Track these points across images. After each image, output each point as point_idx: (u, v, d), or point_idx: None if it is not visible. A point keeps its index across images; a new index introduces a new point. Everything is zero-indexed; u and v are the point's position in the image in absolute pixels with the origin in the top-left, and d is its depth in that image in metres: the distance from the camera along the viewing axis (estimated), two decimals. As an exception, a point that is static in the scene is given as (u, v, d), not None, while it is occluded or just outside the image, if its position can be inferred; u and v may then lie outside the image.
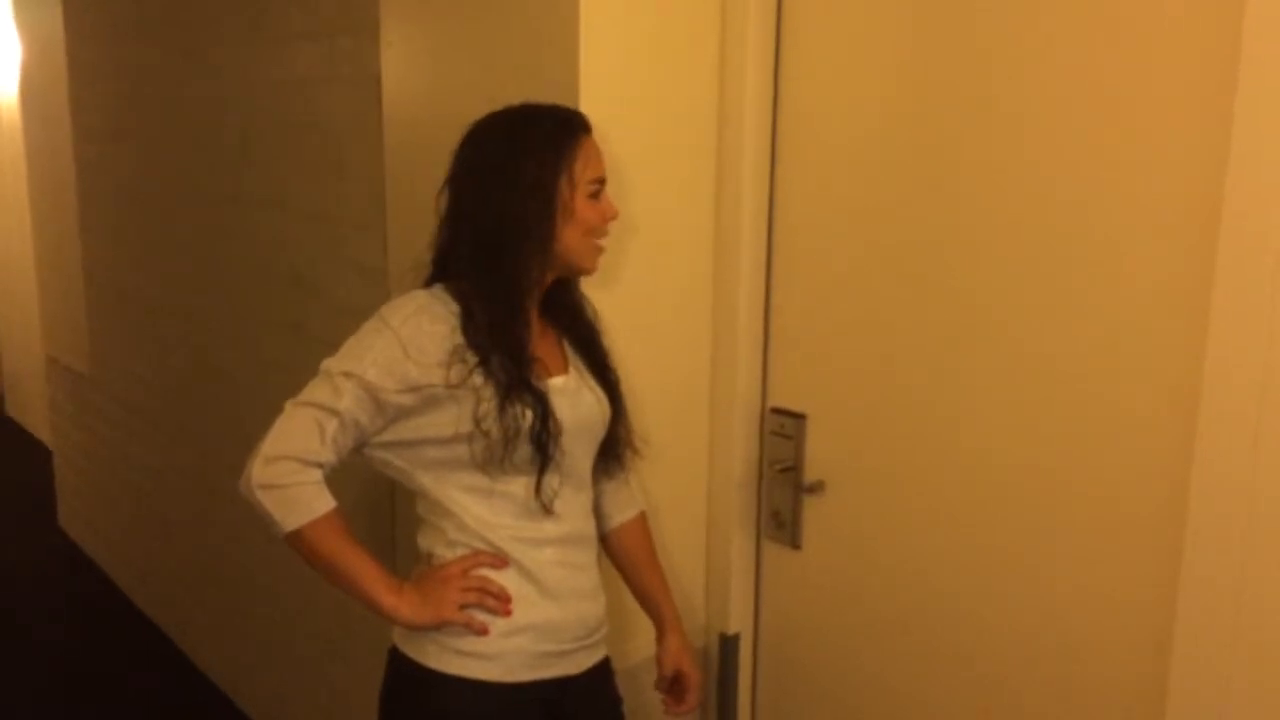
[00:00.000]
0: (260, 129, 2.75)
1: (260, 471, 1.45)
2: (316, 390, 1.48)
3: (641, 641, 1.87)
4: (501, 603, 1.51)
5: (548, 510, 1.54)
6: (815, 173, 1.85)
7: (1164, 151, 1.40)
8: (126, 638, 3.80)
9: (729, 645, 2.04)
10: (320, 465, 1.47)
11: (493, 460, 1.48)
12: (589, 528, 1.64)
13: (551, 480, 1.53)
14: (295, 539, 1.47)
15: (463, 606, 1.50)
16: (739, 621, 2.04)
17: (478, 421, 1.46)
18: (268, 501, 1.45)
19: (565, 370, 1.59)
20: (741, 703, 2.07)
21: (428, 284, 1.57)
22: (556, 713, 1.58)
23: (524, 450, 1.49)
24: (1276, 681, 1.34)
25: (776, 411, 1.95)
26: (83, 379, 4.30)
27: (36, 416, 5.79)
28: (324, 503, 1.48)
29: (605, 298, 1.72)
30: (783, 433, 1.94)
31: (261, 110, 2.73)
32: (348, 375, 1.46)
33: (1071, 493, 1.55)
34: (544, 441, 1.49)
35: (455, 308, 1.50)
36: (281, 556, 2.92)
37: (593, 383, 1.62)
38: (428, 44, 2.08)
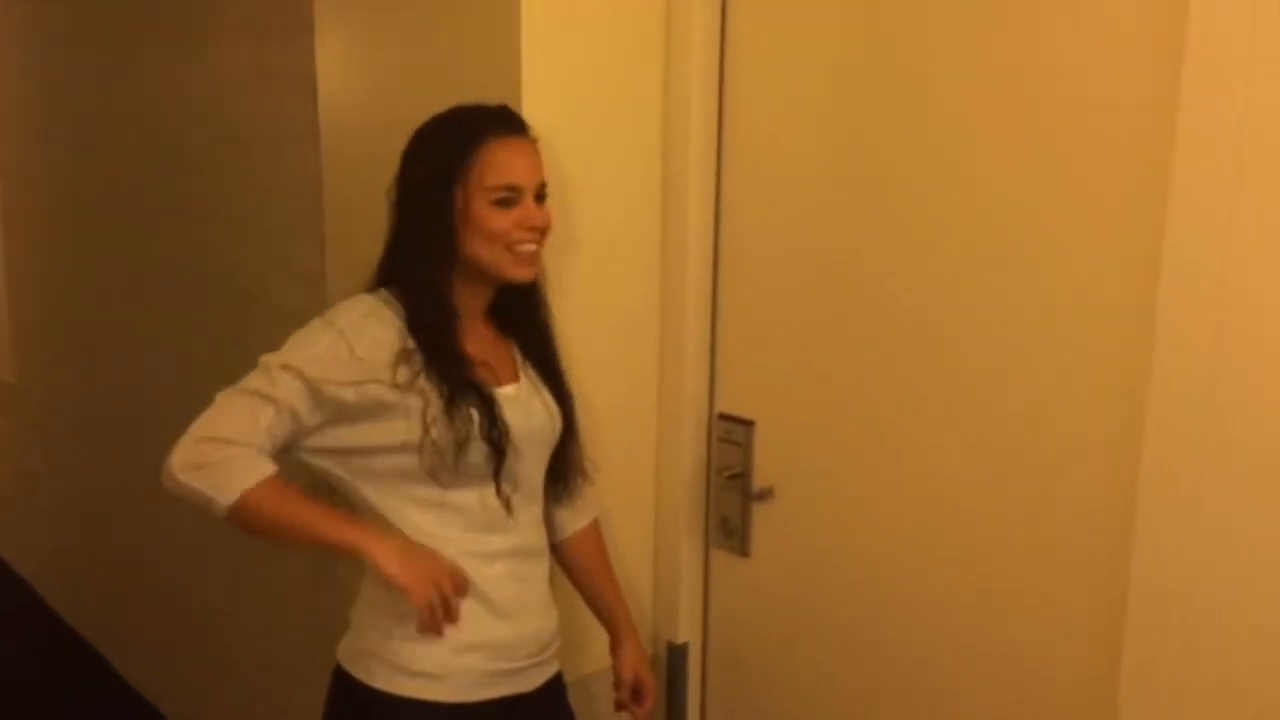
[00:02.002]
0: (191, 131, 2.69)
1: (184, 453, 1.38)
2: (252, 380, 1.43)
3: (594, 652, 1.85)
4: (450, 618, 1.45)
5: (508, 509, 1.50)
6: (762, 179, 1.84)
7: (1111, 159, 1.40)
8: (59, 660, 3.68)
9: (677, 654, 2.02)
10: (253, 448, 1.40)
11: (444, 466, 1.44)
12: (540, 540, 1.61)
13: (506, 484, 1.50)
14: (240, 512, 1.37)
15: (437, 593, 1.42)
16: (688, 630, 2.02)
17: (426, 427, 1.43)
18: (198, 482, 1.37)
19: (516, 379, 1.56)
20: (691, 712, 2.05)
21: (372, 288, 1.54)
22: (508, 731, 1.55)
23: (476, 453, 1.45)
24: (1226, 688, 1.35)
25: (724, 418, 1.94)
26: (10, 389, 4.17)
27: (-40, 427, 5.61)
28: (262, 468, 1.39)
29: (551, 303, 1.69)
30: (731, 439, 1.93)
31: (192, 113, 2.66)
32: (286, 367, 1.41)
33: (1021, 498, 1.55)
34: (495, 438, 1.46)
35: (403, 311, 1.48)
36: (225, 573, 2.86)
37: (545, 394, 1.59)
38: (365, 43, 2.04)
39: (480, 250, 1.48)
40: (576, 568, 1.75)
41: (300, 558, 2.43)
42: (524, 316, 1.61)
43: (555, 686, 1.64)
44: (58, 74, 3.41)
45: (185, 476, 1.38)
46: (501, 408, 1.48)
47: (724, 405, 1.95)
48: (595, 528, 1.77)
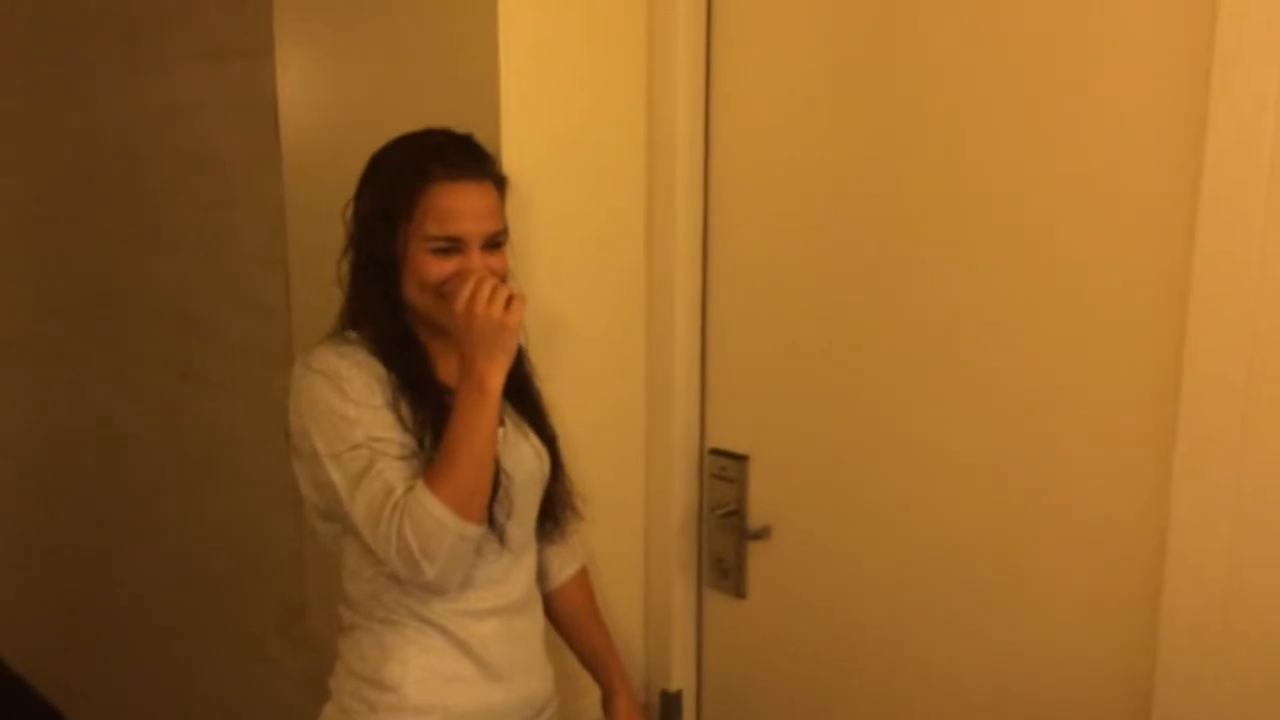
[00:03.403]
0: (144, 159, 2.57)
1: (407, 564, 1.29)
2: (340, 473, 1.33)
3: (586, 702, 1.75)
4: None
5: (502, 541, 1.41)
6: (752, 200, 1.75)
7: (1129, 145, 1.32)
8: (11, 712, 3.52)
9: (671, 703, 1.92)
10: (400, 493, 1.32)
11: None
12: (534, 595, 1.52)
13: (500, 512, 1.40)
14: (463, 505, 1.29)
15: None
16: (681, 677, 1.92)
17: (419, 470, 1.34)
18: (440, 554, 1.28)
19: (500, 423, 1.46)
20: (686, 763, 1.95)
21: (340, 328, 1.46)
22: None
23: None
24: (1268, 689, 1.27)
25: (716, 453, 1.84)
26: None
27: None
28: (416, 484, 1.30)
29: (531, 332, 1.59)
30: (724, 475, 1.83)
31: (144, 139, 2.55)
32: (351, 444, 1.32)
33: (1039, 539, 1.47)
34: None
35: (374, 352, 1.39)
36: (184, 622, 2.73)
37: (532, 436, 1.50)
38: (330, 66, 1.94)
39: (414, 295, 1.39)
40: (565, 617, 1.66)
41: (268, 604, 2.31)
42: None
43: (551, 749, 1.54)
44: (5, 99, 3.27)
45: (430, 563, 1.28)
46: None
47: (716, 440, 1.85)
48: (584, 575, 1.68)
